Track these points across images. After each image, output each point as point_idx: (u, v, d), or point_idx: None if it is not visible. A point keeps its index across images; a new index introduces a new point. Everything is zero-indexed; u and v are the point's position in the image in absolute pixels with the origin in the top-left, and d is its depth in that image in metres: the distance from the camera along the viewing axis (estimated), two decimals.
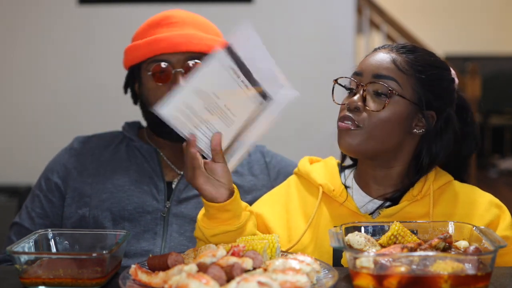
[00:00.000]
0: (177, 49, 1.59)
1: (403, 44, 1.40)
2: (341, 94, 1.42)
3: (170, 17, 1.65)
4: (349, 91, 1.39)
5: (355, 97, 1.34)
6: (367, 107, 1.32)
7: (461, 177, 1.46)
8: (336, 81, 1.41)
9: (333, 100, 1.41)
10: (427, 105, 1.35)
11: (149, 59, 1.62)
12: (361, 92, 1.34)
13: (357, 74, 1.38)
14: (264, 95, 1.28)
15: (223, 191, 1.28)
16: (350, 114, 1.33)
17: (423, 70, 1.34)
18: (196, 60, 1.61)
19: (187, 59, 1.60)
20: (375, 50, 1.41)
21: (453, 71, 1.43)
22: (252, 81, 1.26)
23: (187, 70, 1.59)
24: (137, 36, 1.67)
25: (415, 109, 1.34)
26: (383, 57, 1.36)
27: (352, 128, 1.32)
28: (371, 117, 1.32)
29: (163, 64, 1.59)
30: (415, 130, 1.36)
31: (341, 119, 1.35)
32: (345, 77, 1.40)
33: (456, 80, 1.43)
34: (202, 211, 1.33)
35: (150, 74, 1.61)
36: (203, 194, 1.28)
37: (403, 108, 1.33)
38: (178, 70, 1.59)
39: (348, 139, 1.33)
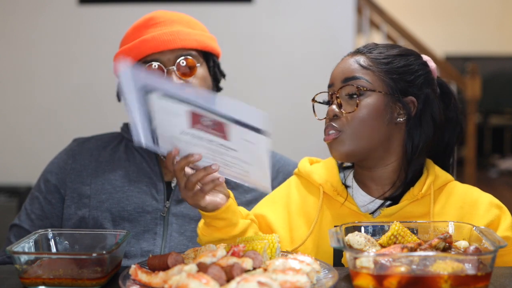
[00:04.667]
0: (166, 47, 1.59)
1: (365, 45, 1.45)
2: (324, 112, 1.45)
3: (155, 18, 1.65)
4: (328, 105, 1.43)
5: (332, 106, 1.38)
6: (343, 111, 1.36)
7: (445, 165, 1.47)
8: (314, 100, 1.45)
9: (316, 118, 1.45)
10: (404, 92, 1.38)
11: (140, 61, 1.61)
12: (336, 99, 1.38)
13: (329, 86, 1.42)
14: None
15: (223, 197, 1.30)
16: (331, 123, 1.37)
17: (388, 62, 1.38)
18: (188, 57, 1.61)
19: (177, 57, 1.59)
20: (342, 59, 1.45)
21: (425, 56, 1.46)
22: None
23: (179, 68, 1.59)
24: (123, 41, 1.67)
25: (391, 100, 1.36)
26: (348, 62, 1.40)
27: (336, 137, 1.36)
28: (349, 119, 1.35)
29: (154, 64, 1.59)
30: (398, 119, 1.37)
31: (325, 131, 1.39)
32: (320, 92, 1.44)
33: (432, 64, 1.45)
34: (202, 219, 1.35)
35: None
36: (207, 210, 1.28)
37: (377, 101, 1.35)
38: (170, 68, 1.58)
39: (337, 148, 1.36)
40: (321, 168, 1.48)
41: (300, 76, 3.64)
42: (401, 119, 1.37)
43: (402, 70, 1.38)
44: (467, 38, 7.35)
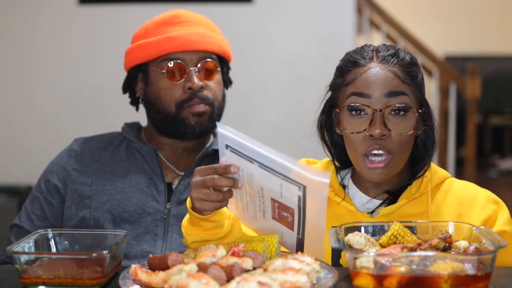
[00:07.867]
0: (192, 47, 1.59)
1: (386, 50, 1.33)
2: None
3: (181, 16, 1.65)
4: (355, 112, 1.30)
5: (378, 125, 1.26)
6: (391, 131, 1.28)
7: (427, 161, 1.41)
8: (345, 107, 1.32)
9: (342, 129, 1.34)
10: (421, 105, 1.35)
11: (161, 57, 1.61)
12: (380, 117, 1.27)
13: (362, 95, 1.29)
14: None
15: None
16: (381, 143, 1.27)
17: (415, 74, 1.33)
18: (210, 59, 1.62)
19: (200, 59, 1.61)
20: (364, 64, 1.31)
21: None
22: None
23: (201, 69, 1.61)
24: (142, 35, 1.65)
25: (419, 114, 1.33)
26: (384, 73, 1.29)
27: (387, 162, 1.28)
28: (399, 140, 1.29)
29: (178, 62, 1.59)
30: (419, 132, 1.35)
31: (369, 152, 1.28)
32: (354, 104, 1.29)
33: None
34: (187, 217, 1.31)
35: (164, 73, 1.60)
36: (197, 208, 1.24)
37: (415, 119, 1.31)
38: (192, 68, 1.59)
39: (386, 173, 1.30)
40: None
41: (300, 76, 3.64)
42: (420, 131, 1.35)
43: (421, 82, 1.33)
44: (467, 38, 7.34)
